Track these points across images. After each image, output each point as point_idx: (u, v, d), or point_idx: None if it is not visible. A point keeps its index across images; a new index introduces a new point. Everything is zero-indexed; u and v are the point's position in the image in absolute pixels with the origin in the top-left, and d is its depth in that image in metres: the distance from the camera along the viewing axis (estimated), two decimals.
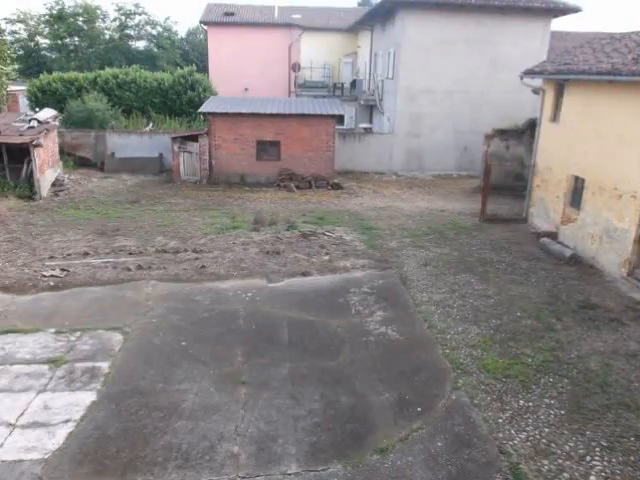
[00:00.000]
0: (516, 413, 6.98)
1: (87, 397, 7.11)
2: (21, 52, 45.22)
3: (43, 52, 47.27)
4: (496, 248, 13.56)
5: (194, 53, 50.38)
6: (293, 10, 34.82)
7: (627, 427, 6.72)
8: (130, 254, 12.41)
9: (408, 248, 13.43)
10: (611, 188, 11.88)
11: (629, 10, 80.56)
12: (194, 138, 20.22)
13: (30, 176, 17.37)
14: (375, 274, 11.63)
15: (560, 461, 6.14)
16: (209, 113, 20.20)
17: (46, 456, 6.05)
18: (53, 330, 8.79)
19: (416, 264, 12.29)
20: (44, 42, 47.25)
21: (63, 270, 11.30)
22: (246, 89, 32.41)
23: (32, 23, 46.50)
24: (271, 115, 20.00)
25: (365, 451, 6.25)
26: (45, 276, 11.00)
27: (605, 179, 12.14)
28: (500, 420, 6.85)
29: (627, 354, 8.46)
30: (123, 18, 47.50)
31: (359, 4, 48.91)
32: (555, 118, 14.83)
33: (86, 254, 12.32)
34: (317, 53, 32.88)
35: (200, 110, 20.74)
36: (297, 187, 19.96)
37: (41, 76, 27.08)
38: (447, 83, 22.97)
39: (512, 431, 6.64)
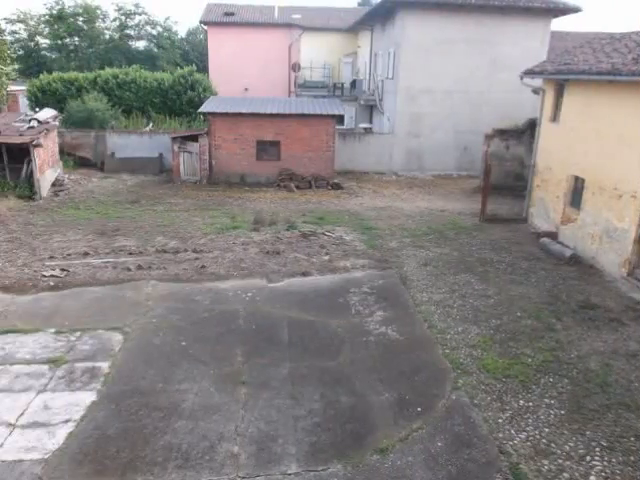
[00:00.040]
0: (516, 413, 6.98)
1: (87, 397, 7.11)
2: (21, 52, 45.23)
3: (43, 52, 47.28)
4: (496, 248, 13.56)
5: (194, 53, 50.39)
6: (293, 10, 34.83)
7: (627, 427, 6.72)
8: (130, 254, 12.41)
9: (408, 248, 13.43)
10: (611, 188, 11.88)
11: (629, 10, 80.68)
12: (194, 138, 20.22)
13: (30, 176, 17.37)
14: (375, 274, 11.63)
15: (560, 461, 6.15)
16: (209, 113, 20.21)
17: (46, 456, 6.05)
18: (53, 330, 8.79)
19: (416, 264, 12.29)
20: (44, 42, 47.32)
21: (63, 270, 11.30)
22: (246, 89, 32.42)
23: (32, 23, 46.54)
24: (271, 115, 20.00)
25: (365, 451, 6.25)
26: (45, 276, 11.01)
27: (605, 179, 12.14)
28: (500, 420, 6.85)
29: (627, 354, 8.47)
30: (123, 18, 47.54)
31: (359, 4, 48.91)
32: (555, 118, 14.83)
33: (86, 254, 12.32)
34: (317, 53, 32.87)
35: (200, 110, 20.74)
36: (297, 187, 19.96)
37: (41, 76, 27.07)
38: (447, 83, 22.97)
39: (512, 431, 6.64)
